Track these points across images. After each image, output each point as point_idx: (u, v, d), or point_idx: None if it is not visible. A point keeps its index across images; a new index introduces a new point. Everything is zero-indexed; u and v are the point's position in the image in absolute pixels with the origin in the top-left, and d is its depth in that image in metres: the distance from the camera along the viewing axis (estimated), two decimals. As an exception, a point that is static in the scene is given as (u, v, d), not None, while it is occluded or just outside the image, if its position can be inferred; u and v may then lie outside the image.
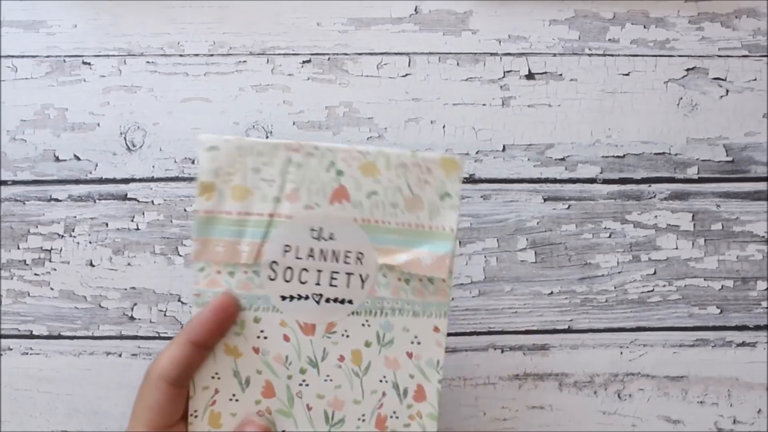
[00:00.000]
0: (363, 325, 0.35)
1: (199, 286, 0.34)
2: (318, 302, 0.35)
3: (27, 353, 0.43)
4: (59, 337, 0.43)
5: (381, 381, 0.36)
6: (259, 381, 0.35)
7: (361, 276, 0.35)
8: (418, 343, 0.35)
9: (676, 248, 0.44)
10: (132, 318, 0.43)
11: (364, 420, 0.36)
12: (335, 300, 0.35)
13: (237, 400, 0.35)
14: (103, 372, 0.43)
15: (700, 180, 0.45)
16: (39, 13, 0.45)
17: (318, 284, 0.35)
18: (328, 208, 0.34)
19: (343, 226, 0.35)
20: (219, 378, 0.35)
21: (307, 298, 0.35)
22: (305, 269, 0.35)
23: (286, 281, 0.35)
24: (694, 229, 0.45)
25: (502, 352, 0.44)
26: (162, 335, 0.43)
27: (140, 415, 0.33)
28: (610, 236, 0.44)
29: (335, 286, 0.35)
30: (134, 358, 0.43)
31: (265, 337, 0.35)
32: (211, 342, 0.34)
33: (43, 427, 0.43)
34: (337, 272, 0.35)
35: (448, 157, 0.34)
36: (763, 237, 0.44)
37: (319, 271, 0.35)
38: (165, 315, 0.44)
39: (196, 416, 0.35)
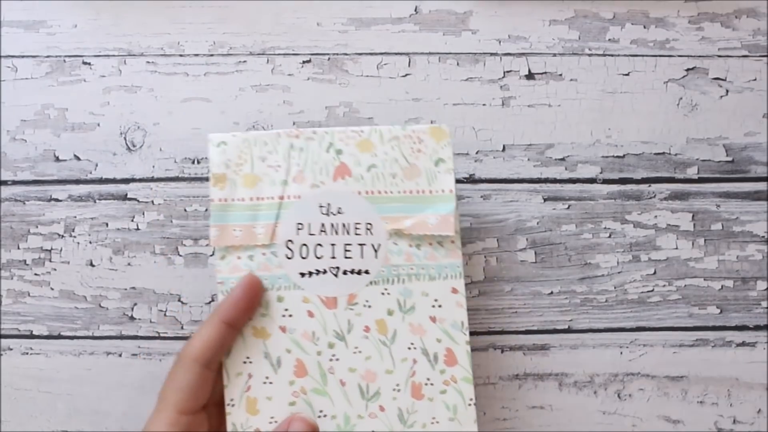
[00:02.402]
0: (383, 293, 0.37)
1: (222, 274, 0.36)
2: (336, 275, 0.36)
3: (27, 353, 0.43)
4: (59, 337, 0.43)
5: (409, 348, 0.36)
6: (290, 360, 0.36)
7: (373, 246, 0.37)
8: (439, 306, 0.37)
9: (676, 248, 0.44)
10: (132, 318, 0.43)
11: (399, 390, 0.36)
12: (352, 271, 0.37)
13: (271, 383, 0.36)
14: (104, 372, 0.43)
15: (700, 180, 0.45)
16: (39, 13, 0.45)
17: (333, 257, 0.36)
18: (332, 185, 0.37)
19: (348, 199, 0.37)
20: (251, 362, 0.36)
21: (325, 272, 0.36)
22: (319, 244, 0.36)
23: (303, 258, 0.36)
24: (694, 229, 0.45)
25: (502, 352, 0.44)
26: (162, 335, 0.43)
27: (170, 396, 0.34)
28: (610, 236, 0.44)
29: (350, 257, 0.36)
30: (134, 358, 0.43)
31: (290, 315, 0.36)
32: (243, 321, 0.36)
33: (43, 427, 0.43)
34: (350, 244, 0.37)
35: (436, 126, 0.37)
36: (763, 237, 0.44)
37: (332, 244, 0.36)
38: (165, 315, 0.44)
39: (233, 405, 0.36)
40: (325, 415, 0.36)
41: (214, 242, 0.36)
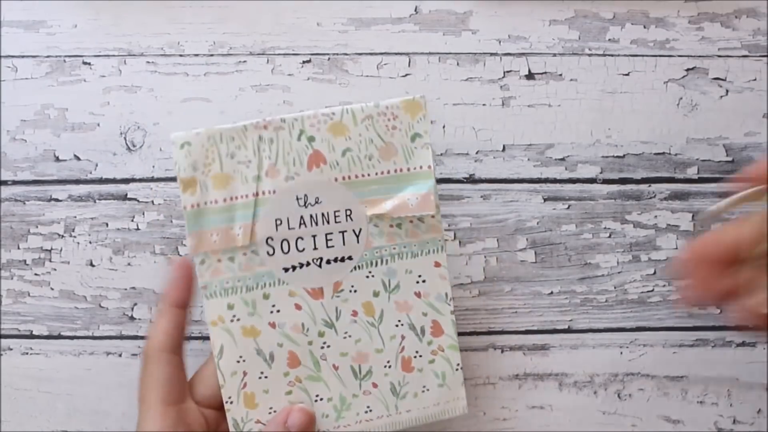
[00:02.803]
0: (367, 277, 0.36)
1: (205, 279, 0.35)
2: (320, 266, 0.36)
3: (27, 353, 0.43)
4: (59, 337, 0.43)
5: (397, 325, 0.37)
6: (282, 354, 0.36)
7: (354, 231, 0.36)
8: (423, 281, 0.37)
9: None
10: (132, 318, 0.44)
11: (390, 366, 0.37)
12: (335, 260, 0.36)
13: (266, 377, 0.36)
14: (103, 372, 0.43)
15: (700, 180, 0.45)
16: (39, 13, 0.45)
17: (315, 249, 0.36)
18: (307, 175, 0.35)
19: (325, 188, 0.35)
20: (244, 360, 0.36)
21: (308, 264, 0.36)
22: (300, 237, 0.36)
23: (285, 253, 0.35)
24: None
25: (502, 352, 0.44)
26: (162, 335, 0.43)
27: (151, 393, 0.35)
28: (610, 236, 0.44)
29: (332, 246, 0.36)
30: (134, 358, 0.43)
31: (278, 311, 0.36)
32: (188, 299, 0.36)
33: (43, 427, 0.43)
34: (330, 233, 0.36)
35: (409, 99, 0.35)
36: (763, 237, 0.44)
37: (313, 236, 0.36)
38: (165, 315, 0.43)
39: (231, 402, 0.36)
40: (321, 399, 0.37)
41: (193, 250, 0.35)
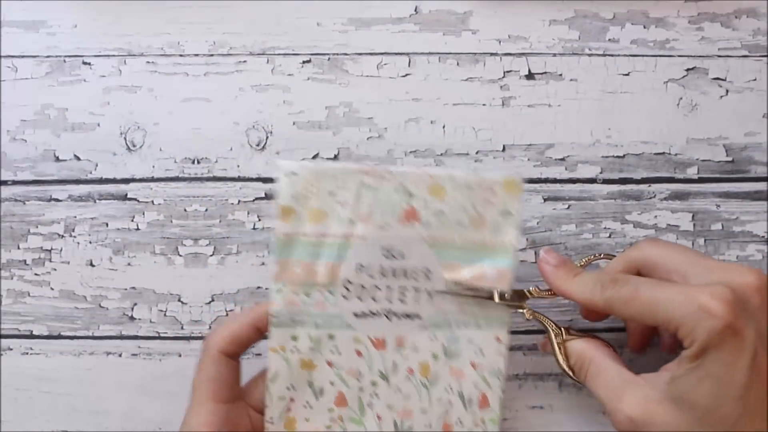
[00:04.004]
0: (430, 339, 0.37)
1: (277, 307, 0.35)
2: (389, 318, 0.36)
3: (27, 353, 0.43)
4: (59, 337, 0.43)
5: (447, 391, 0.37)
6: (332, 391, 0.36)
7: (428, 291, 0.36)
8: (482, 354, 0.37)
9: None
10: (132, 318, 0.43)
11: (430, 427, 0.37)
12: (405, 315, 0.36)
13: (311, 408, 0.36)
14: (104, 372, 0.43)
15: (700, 180, 0.45)
16: (39, 13, 0.45)
17: (389, 301, 0.36)
18: (399, 229, 0.36)
19: (412, 245, 0.36)
20: (294, 389, 0.36)
21: (378, 314, 0.36)
22: (377, 287, 0.36)
23: (359, 299, 0.36)
24: (694, 229, 0.45)
25: (502, 352, 0.44)
26: (162, 335, 0.43)
27: (203, 388, 0.35)
28: (610, 236, 0.44)
29: (404, 302, 0.36)
30: (134, 358, 0.43)
31: (339, 353, 0.36)
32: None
33: (43, 427, 0.43)
34: (406, 288, 0.36)
35: (510, 179, 0.36)
36: (763, 237, 0.44)
37: (389, 288, 0.36)
38: (165, 315, 0.44)
39: (271, 422, 0.36)
40: None
41: (275, 277, 0.35)
